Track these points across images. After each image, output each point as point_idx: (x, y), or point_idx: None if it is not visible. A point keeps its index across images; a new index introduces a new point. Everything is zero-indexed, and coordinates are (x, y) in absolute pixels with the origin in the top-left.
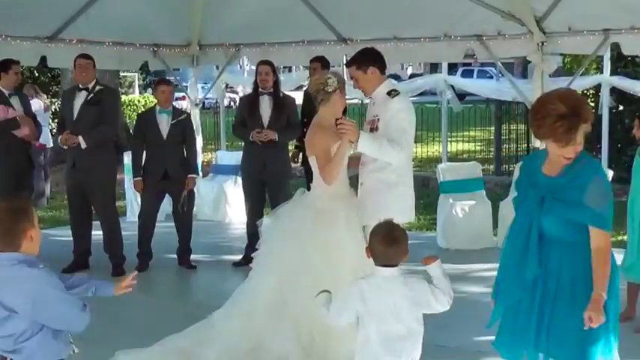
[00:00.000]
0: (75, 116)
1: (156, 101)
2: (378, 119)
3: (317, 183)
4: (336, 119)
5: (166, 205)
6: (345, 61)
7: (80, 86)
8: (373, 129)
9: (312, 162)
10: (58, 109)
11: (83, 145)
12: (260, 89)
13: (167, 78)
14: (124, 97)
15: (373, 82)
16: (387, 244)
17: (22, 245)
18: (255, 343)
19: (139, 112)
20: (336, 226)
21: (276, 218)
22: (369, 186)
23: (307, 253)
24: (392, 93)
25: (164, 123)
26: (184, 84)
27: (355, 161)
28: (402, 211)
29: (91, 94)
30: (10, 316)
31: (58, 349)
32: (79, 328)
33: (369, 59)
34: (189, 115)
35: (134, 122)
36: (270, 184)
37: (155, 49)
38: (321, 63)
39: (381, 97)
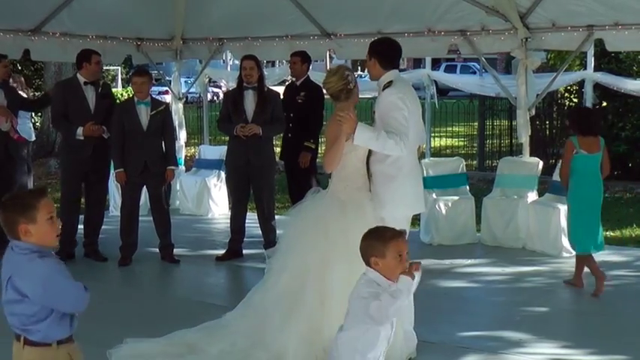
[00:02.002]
0: (93, 109)
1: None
2: (374, 112)
3: (342, 175)
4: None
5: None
6: (329, 55)
7: (86, 80)
8: (373, 120)
9: None
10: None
11: (107, 135)
12: (244, 84)
13: (143, 68)
14: None
15: (372, 70)
16: None
17: (21, 238)
18: (256, 340)
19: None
20: (364, 218)
21: (296, 215)
22: (373, 178)
23: (337, 246)
24: (385, 85)
25: (143, 114)
26: (167, 78)
27: None
28: (401, 204)
29: (100, 88)
30: (23, 300)
31: (63, 329)
32: (83, 308)
33: (374, 50)
34: (167, 105)
35: None
36: (254, 178)
37: (138, 42)
38: (301, 57)
39: (379, 90)
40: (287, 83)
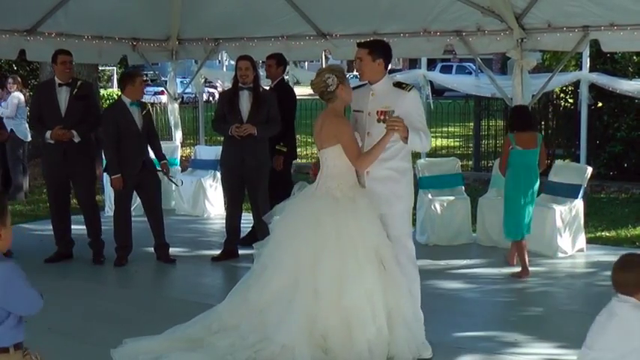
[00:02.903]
0: (64, 111)
1: (120, 94)
2: (392, 111)
3: (335, 173)
4: (383, 115)
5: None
6: (324, 55)
7: (60, 82)
8: (381, 120)
9: (331, 152)
10: None
11: (77, 139)
12: (240, 84)
13: (136, 70)
14: (102, 91)
15: (375, 72)
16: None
17: None
18: (263, 335)
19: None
20: (356, 213)
21: (286, 213)
22: (379, 175)
23: (328, 241)
24: (405, 86)
25: (137, 116)
26: (163, 78)
27: None
28: (411, 196)
29: (76, 89)
30: None
31: (18, 333)
32: (36, 312)
33: (381, 51)
34: (148, 104)
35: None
36: (248, 179)
37: (134, 43)
38: (276, 60)
39: (385, 90)
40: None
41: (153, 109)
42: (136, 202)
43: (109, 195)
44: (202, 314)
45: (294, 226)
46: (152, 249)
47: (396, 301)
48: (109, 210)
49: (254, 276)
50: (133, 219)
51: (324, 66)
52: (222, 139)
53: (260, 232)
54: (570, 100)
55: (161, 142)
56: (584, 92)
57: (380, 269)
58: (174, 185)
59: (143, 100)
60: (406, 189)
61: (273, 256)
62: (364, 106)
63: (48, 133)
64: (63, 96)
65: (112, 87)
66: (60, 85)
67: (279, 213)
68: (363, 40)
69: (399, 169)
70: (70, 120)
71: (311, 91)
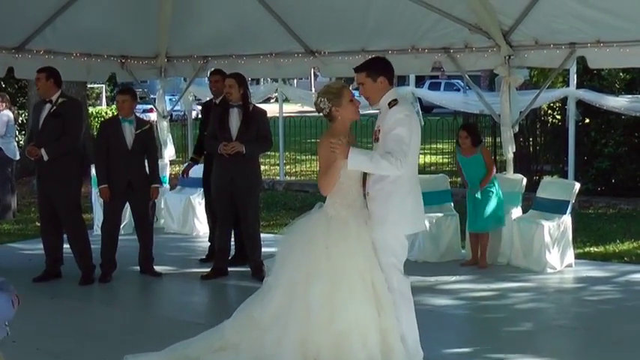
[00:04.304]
0: (40, 128)
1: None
2: (379, 130)
3: (334, 191)
4: (375, 135)
5: (125, 216)
6: (313, 73)
7: (45, 99)
8: (376, 139)
9: None
10: (25, 121)
11: (45, 157)
12: (230, 102)
13: (128, 87)
14: (91, 109)
15: (381, 91)
16: None
17: None
18: (259, 355)
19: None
20: (346, 235)
21: (290, 230)
22: (371, 196)
23: (320, 262)
24: (391, 103)
25: (128, 132)
26: (152, 96)
27: None
28: (400, 222)
29: (54, 107)
30: None
31: None
32: (9, 318)
33: (380, 68)
34: (152, 124)
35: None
36: (238, 196)
37: (123, 60)
38: (221, 75)
39: (384, 108)
40: (205, 102)
41: None
42: (125, 221)
43: (97, 213)
44: (207, 331)
45: (291, 244)
46: (138, 267)
47: (390, 325)
48: (98, 229)
49: (259, 294)
50: (120, 237)
51: (313, 83)
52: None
53: (250, 249)
54: (558, 117)
55: None
56: (571, 108)
57: (371, 293)
58: (162, 203)
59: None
60: (391, 214)
61: (275, 274)
62: None
63: (25, 150)
64: (43, 113)
65: (100, 105)
66: (44, 102)
67: (286, 231)
68: (358, 65)
69: (384, 192)
70: (43, 137)
71: (300, 109)
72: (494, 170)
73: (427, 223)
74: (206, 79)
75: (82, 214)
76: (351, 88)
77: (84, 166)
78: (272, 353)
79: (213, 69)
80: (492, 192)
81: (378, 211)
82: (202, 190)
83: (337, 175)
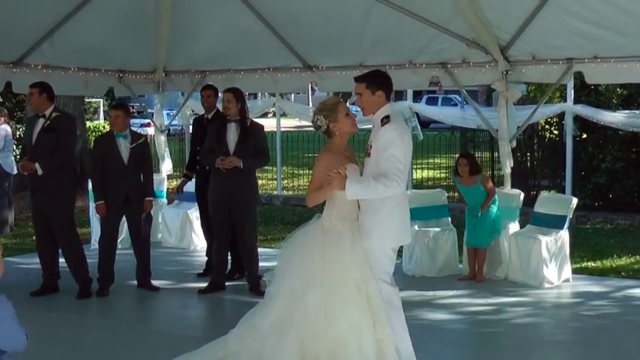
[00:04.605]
0: (33, 143)
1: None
2: (371, 146)
3: (331, 203)
4: (368, 150)
5: (122, 231)
6: (311, 87)
7: (39, 114)
8: (368, 154)
9: None
10: (22, 136)
11: (40, 172)
12: (228, 117)
13: (121, 102)
14: (88, 123)
15: (377, 105)
16: None
17: None
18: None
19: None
20: (341, 247)
21: (288, 242)
22: (361, 209)
23: (316, 272)
24: (383, 120)
25: (123, 147)
26: (150, 110)
27: None
28: (386, 235)
29: (47, 121)
30: None
31: None
32: (21, 350)
33: (379, 82)
34: (146, 138)
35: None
36: (235, 211)
37: (120, 75)
38: (213, 91)
39: (377, 124)
40: (196, 116)
41: None
42: (122, 235)
43: (94, 228)
44: (211, 342)
45: (290, 256)
46: (135, 281)
47: (386, 335)
48: (95, 243)
49: (261, 305)
50: (118, 251)
51: (310, 98)
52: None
53: (247, 264)
54: (555, 132)
55: None
56: (569, 124)
57: (365, 303)
58: (160, 217)
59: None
60: (377, 227)
61: (276, 285)
62: None
63: (19, 165)
64: (36, 128)
65: (98, 119)
66: (38, 116)
67: (286, 242)
68: (359, 74)
69: (371, 206)
70: (36, 152)
71: (297, 124)
72: (495, 194)
73: (425, 238)
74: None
75: (76, 228)
76: (348, 104)
77: (77, 181)
78: (271, 357)
79: (204, 84)
80: (492, 208)
81: (365, 224)
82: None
83: (324, 196)
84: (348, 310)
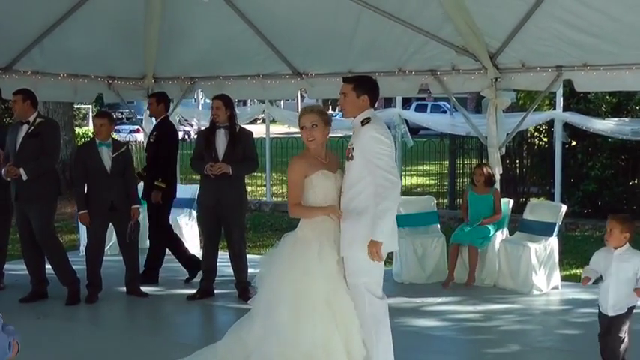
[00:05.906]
0: (17, 149)
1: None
2: (353, 148)
3: None
4: (349, 153)
5: (111, 237)
6: (300, 94)
7: (23, 120)
8: (349, 158)
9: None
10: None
11: (24, 177)
12: (217, 123)
13: (104, 110)
14: (77, 130)
15: (359, 109)
16: None
17: None
18: None
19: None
20: (307, 256)
21: (270, 250)
22: (343, 216)
23: (284, 283)
24: (364, 121)
25: (105, 156)
26: (139, 117)
27: None
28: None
29: (32, 127)
30: None
31: None
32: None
33: (367, 87)
34: (128, 146)
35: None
36: (224, 217)
37: (110, 81)
38: (156, 98)
39: (357, 126)
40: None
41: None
42: (111, 242)
43: (83, 234)
44: (201, 349)
45: (267, 264)
46: (124, 287)
47: (356, 348)
48: (84, 250)
49: (247, 316)
50: (106, 258)
51: (299, 105)
52: (198, 177)
53: (236, 270)
54: (544, 139)
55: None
56: (558, 131)
57: (333, 316)
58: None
59: (119, 139)
60: (363, 232)
61: (257, 295)
62: None
63: (3, 170)
64: (20, 134)
65: (87, 125)
66: (22, 123)
67: (269, 251)
68: (348, 76)
69: (356, 210)
70: (21, 157)
71: (286, 130)
72: (501, 216)
73: (414, 245)
74: (193, 100)
75: (56, 233)
76: (337, 110)
77: (60, 187)
78: None
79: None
80: (490, 227)
81: (348, 232)
82: (189, 210)
83: (309, 214)
84: (314, 323)
